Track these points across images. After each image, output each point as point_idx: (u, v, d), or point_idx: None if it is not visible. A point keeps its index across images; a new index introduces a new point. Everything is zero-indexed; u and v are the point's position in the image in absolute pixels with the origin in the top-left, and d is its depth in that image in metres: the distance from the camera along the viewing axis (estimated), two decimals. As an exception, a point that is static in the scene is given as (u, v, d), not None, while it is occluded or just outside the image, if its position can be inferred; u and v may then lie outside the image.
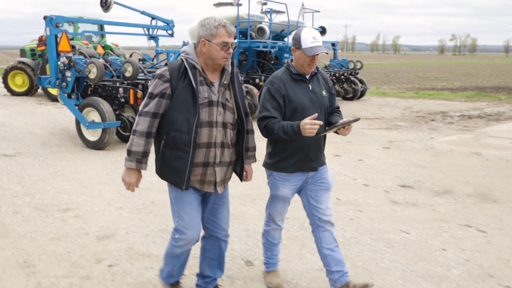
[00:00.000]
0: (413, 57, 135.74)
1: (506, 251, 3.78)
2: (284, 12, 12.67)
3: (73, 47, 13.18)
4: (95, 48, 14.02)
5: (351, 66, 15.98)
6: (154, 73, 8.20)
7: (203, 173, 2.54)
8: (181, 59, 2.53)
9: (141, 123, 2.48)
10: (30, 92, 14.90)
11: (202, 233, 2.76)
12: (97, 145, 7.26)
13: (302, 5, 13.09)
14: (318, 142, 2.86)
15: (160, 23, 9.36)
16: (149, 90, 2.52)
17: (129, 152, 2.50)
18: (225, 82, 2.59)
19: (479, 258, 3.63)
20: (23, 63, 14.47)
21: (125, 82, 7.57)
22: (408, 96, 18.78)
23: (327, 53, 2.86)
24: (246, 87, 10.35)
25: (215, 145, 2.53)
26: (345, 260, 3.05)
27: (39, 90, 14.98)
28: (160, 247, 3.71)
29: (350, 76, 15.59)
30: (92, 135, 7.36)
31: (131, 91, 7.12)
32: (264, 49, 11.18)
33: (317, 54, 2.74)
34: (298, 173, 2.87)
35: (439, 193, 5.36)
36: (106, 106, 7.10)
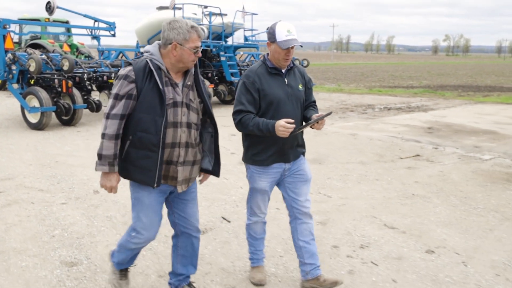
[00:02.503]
0: (406, 57, 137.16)
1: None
2: (226, 15, 14.28)
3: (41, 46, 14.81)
4: (61, 46, 15.59)
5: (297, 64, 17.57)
6: (95, 68, 9.89)
7: (166, 169, 2.57)
8: (146, 59, 2.51)
9: (110, 126, 2.44)
10: (3, 86, 16.45)
11: (170, 231, 2.95)
12: (37, 126, 8.85)
13: (243, 8, 14.68)
14: (293, 135, 2.88)
15: (102, 25, 10.94)
16: (114, 91, 2.48)
17: (100, 156, 2.48)
18: (189, 83, 2.59)
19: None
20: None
21: (65, 75, 9.15)
22: (358, 92, 20.26)
23: (301, 46, 2.87)
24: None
25: (180, 145, 2.55)
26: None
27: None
28: (42, 184, 5.34)
29: (296, 73, 17.17)
30: (33, 118, 8.94)
31: (63, 81, 8.73)
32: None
33: (292, 47, 2.76)
34: (274, 165, 2.91)
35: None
36: (43, 94, 8.68)
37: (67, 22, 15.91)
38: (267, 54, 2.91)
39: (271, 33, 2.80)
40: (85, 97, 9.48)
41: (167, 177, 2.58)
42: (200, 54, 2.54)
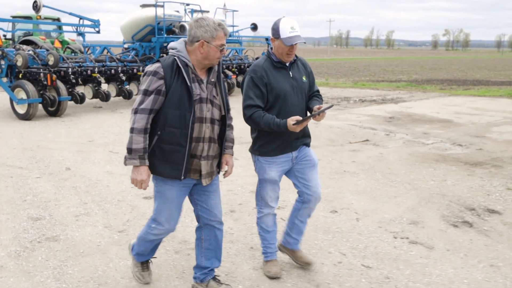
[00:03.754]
0: (405, 52, 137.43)
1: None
2: (208, 12, 15.03)
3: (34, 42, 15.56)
4: (52, 43, 16.35)
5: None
6: (80, 63, 10.66)
7: (190, 163, 2.65)
8: (173, 56, 2.58)
9: (138, 120, 2.51)
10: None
11: (186, 225, 3.16)
12: (25, 117, 9.64)
13: (224, 5, 15.44)
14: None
15: (87, 22, 11.70)
16: (143, 87, 2.54)
17: (130, 150, 2.53)
18: (213, 80, 2.68)
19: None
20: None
21: (51, 69, 9.92)
22: (342, 86, 20.94)
23: (304, 43, 2.93)
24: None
25: (204, 140, 2.63)
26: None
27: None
28: (22, 163, 6.14)
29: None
30: (21, 109, 9.74)
31: (48, 75, 9.52)
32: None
33: (296, 44, 2.85)
34: (281, 156, 3.01)
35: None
36: (30, 87, 9.46)
37: (58, 19, 16.66)
38: (271, 48, 3.00)
39: (275, 29, 2.89)
40: (70, 89, 10.26)
41: (190, 170, 2.66)
42: (225, 52, 2.77)
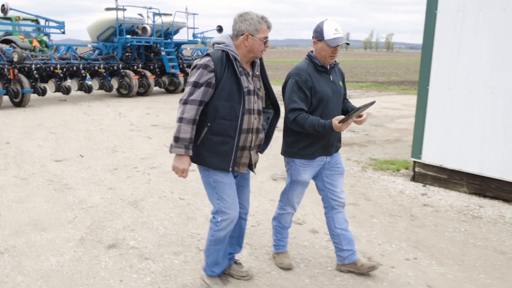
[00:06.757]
0: (403, 55, 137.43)
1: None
2: (170, 15, 16.49)
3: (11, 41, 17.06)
4: (31, 42, 17.85)
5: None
6: (45, 60, 12.14)
7: (240, 156, 2.72)
8: (222, 50, 2.64)
9: (188, 111, 2.55)
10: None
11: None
12: (-9, 107, 11.15)
13: (186, 8, 16.92)
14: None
15: (53, 24, 13.18)
16: (193, 79, 2.59)
17: (177, 139, 2.57)
18: (257, 73, 2.77)
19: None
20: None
21: (17, 65, 11.39)
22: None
23: (348, 44, 2.99)
24: (124, 72, 14.17)
25: (252, 130, 2.72)
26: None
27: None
28: (-28, 139, 7.62)
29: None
30: (-12, 100, 11.25)
31: (11, 70, 11.01)
32: (138, 44, 14.99)
33: (339, 45, 2.89)
34: (318, 159, 3.05)
35: (164, 128, 9.22)
36: (-5, 80, 10.97)
37: (37, 21, 18.13)
38: (311, 51, 3.04)
39: (319, 31, 2.93)
40: (33, 83, 11.75)
41: (239, 164, 2.76)
42: (269, 45, 2.71)
